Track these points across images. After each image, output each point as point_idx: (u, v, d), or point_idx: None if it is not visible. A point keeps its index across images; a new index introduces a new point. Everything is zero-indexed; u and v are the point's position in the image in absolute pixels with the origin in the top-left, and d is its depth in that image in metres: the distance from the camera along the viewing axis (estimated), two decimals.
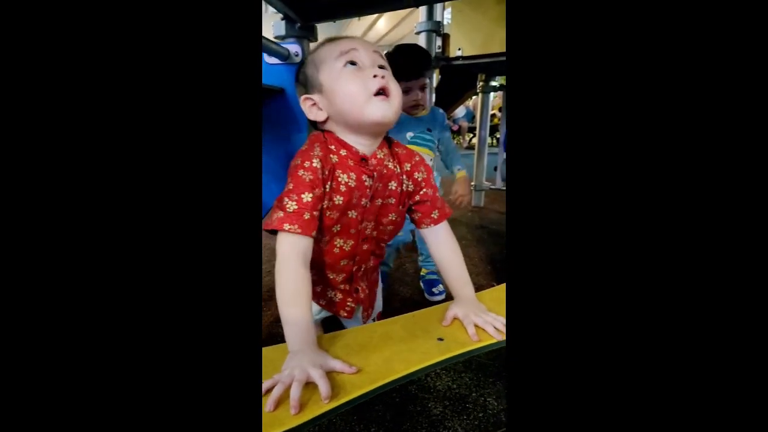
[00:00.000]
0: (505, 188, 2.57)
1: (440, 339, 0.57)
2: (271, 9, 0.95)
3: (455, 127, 6.38)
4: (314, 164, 0.57)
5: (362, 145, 0.62)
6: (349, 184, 0.60)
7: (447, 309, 0.64)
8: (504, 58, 1.65)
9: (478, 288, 0.70)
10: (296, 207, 0.55)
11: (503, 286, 0.78)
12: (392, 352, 0.54)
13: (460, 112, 5.99)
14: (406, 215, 0.72)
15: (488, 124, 2.65)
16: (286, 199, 0.56)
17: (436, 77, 1.87)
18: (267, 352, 0.54)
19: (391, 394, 0.90)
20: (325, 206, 0.60)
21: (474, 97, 4.38)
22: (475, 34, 1.69)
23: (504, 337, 0.57)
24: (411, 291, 1.43)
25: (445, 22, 1.86)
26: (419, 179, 0.69)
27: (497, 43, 1.64)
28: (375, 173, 0.62)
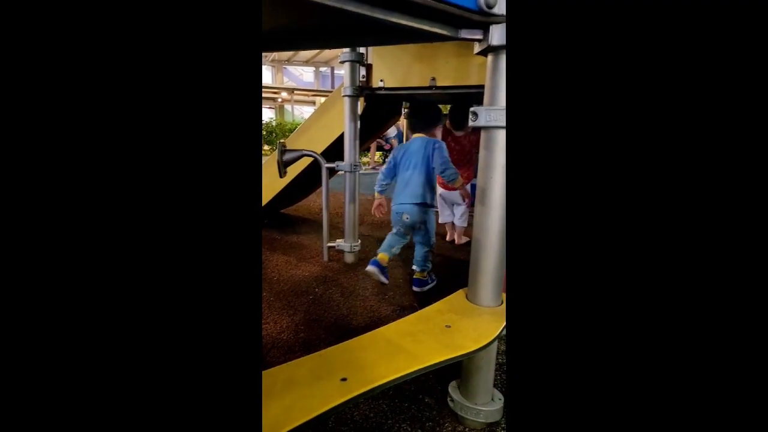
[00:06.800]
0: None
1: (343, 379, 0.59)
2: None
3: (387, 146, 6.60)
4: None
5: None
6: None
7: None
8: (422, 92, 1.77)
9: (401, 309, 0.73)
10: None
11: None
12: (293, 398, 0.54)
13: (391, 131, 6.21)
14: None
15: None
16: None
17: (361, 105, 1.93)
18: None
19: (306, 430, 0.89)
20: None
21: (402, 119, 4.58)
22: (395, 68, 1.79)
23: None
24: (335, 316, 1.44)
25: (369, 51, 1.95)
26: None
27: (416, 78, 1.75)
28: None
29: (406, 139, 1.85)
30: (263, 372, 0.61)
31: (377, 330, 0.78)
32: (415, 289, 1.66)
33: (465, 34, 0.76)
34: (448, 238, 2.42)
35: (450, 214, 2.32)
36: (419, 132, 1.66)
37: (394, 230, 1.66)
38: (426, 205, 1.58)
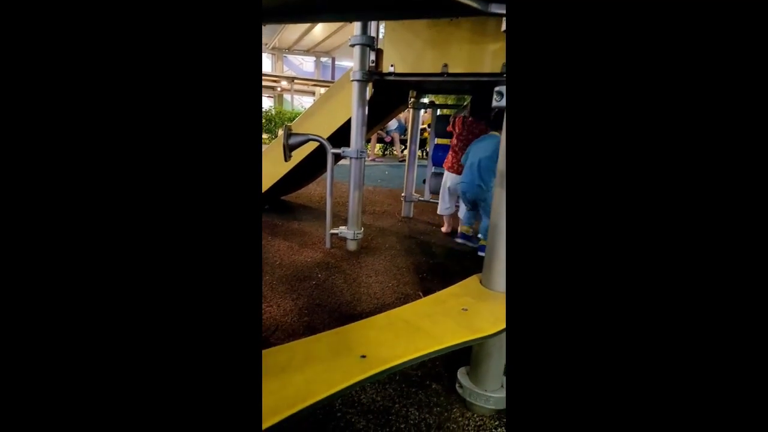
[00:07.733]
0: (431, 200, 2.69)
1: (363, 356, 0.57)
2: None
3: (387, 138, 6.54)
4: None
5: None
6: None
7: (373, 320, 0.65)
8: (433, 78, 1.74)
9: (405, 297, 0.71)
10: None
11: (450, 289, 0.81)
12: (314, 372, 0.52)
13: (392, 124, 6.16)
14: None
15: (418, 138, 2.76)
16: None
17: (369, 90, 1.90)
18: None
19: (315, 410, 0.88)
20: None
21: (406, 111, 4.54)
22: (407, 53, 1.76)
23: None
24: (338, 302, 1.42)
25: (380, 36, 1.92)
26: None
27: (428, 64, 1.72)
28: None
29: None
30: (280, 346, 0.60)
31: (393, 310, 0.76)
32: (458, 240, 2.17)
33: (495, 8, 0.74)
34: (444, 229, 2.41)
35: (451, 206, 2.30)
36: (496, 130, 1.93)
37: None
38: (481, 188, 1.92)
